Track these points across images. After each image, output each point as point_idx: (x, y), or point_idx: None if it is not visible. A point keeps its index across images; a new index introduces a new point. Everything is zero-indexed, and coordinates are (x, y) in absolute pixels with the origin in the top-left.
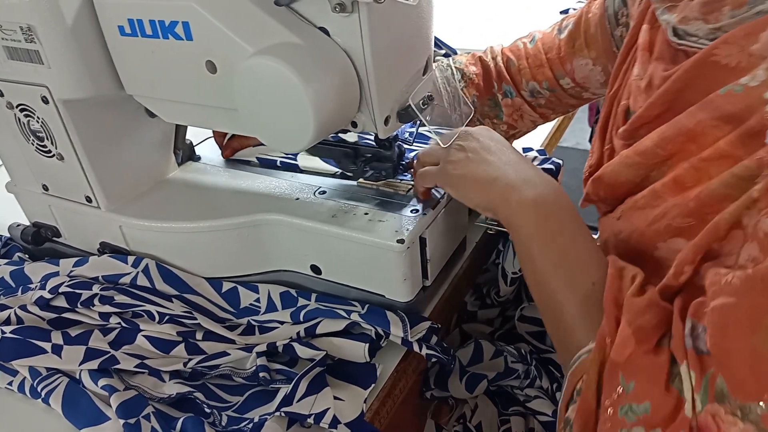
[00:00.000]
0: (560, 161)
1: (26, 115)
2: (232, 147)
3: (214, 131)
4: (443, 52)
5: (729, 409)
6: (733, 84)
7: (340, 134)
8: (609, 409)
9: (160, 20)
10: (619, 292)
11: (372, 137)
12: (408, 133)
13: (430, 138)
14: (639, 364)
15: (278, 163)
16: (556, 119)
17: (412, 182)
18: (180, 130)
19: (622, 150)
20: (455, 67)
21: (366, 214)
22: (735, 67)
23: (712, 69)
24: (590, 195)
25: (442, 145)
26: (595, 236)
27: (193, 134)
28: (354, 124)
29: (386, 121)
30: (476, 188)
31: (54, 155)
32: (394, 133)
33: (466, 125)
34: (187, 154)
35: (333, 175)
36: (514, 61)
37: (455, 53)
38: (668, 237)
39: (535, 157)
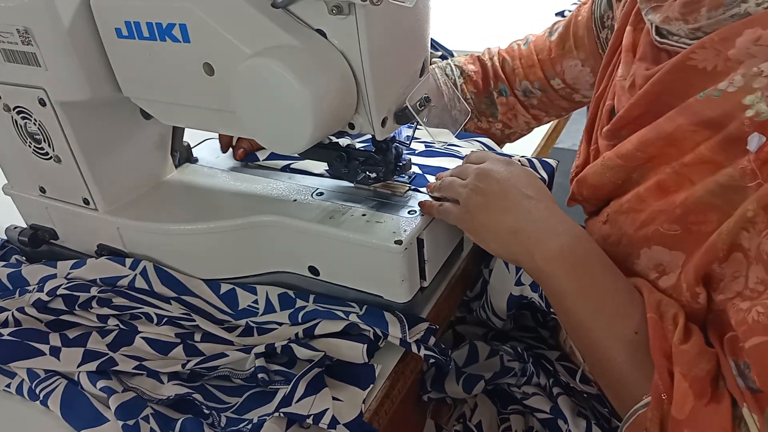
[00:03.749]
0: (554, 162)
1: (23, 118)
2: (242, 147)
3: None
4: (440, 53)
5: None
6: (712, 89)
7: (334, 138)
8: None
9: (158, 22)
10: (664, 341)
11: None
12: (405, 135)
13: (428, 141)
14: (703, 419)
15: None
16: (551, 122)
17: (408, 184)
18: (177, 132)
19: (606, 150)
20: (454, 65)
21: (363, 215)
22: (712, 71)
23: (689, 73)
24: (575, 195)
25: (461, 177)
26: None
27: (190, 136)
28: (351, 126)
29: (383, 123)
30: (496, 240)
31: (51, 157)
32: (392, 134)
33: (464, 126)
34: (184, 156)
35: (330, 177)
36: (509, 61)
37: (452, 55)
38: (654, 243)
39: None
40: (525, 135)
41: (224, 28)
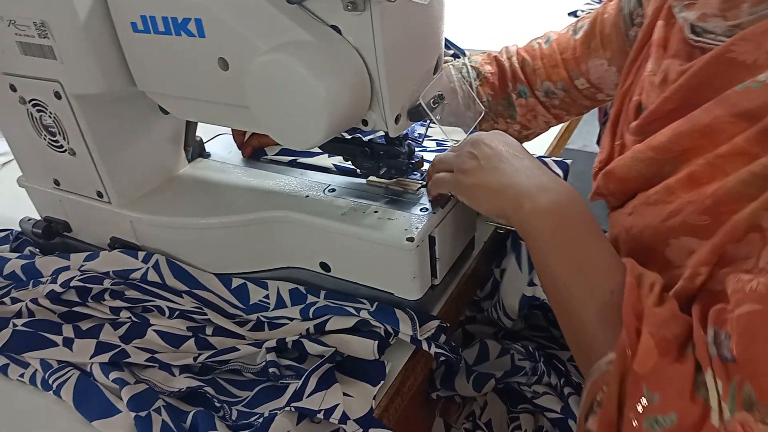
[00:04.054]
0: (567, 161)
1: (39, 110)
2: (251, 145)
3: (233, 130)
4: (452, 52)
5: (758, 416)
6: (751, 81)
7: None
8: (633, 422)
9: (173, 17)
10: (638, 302)
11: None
12: (417, 133)
13: (439, 138)
14: (663, 375)
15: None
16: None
17: (421, 181)
18: (190, 127)
19: (633, 145)
20: (471, 66)
21: (376, 212)
22: (752, 64)
23: (728, 65)
24: (600, 189)
25: (455, 152)
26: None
27: (203, 131)
28: (365, 122)
29: (397, 120)
30: (488, 196)
31: (66, 150)
32: (404, 131)
33: (477, 125)
34: (197, 150)
35: (343, 174)
36: (529, 61)
37: (464, 54)
38: (681, 234)
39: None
40: (543, 133)
41: (239, 23)
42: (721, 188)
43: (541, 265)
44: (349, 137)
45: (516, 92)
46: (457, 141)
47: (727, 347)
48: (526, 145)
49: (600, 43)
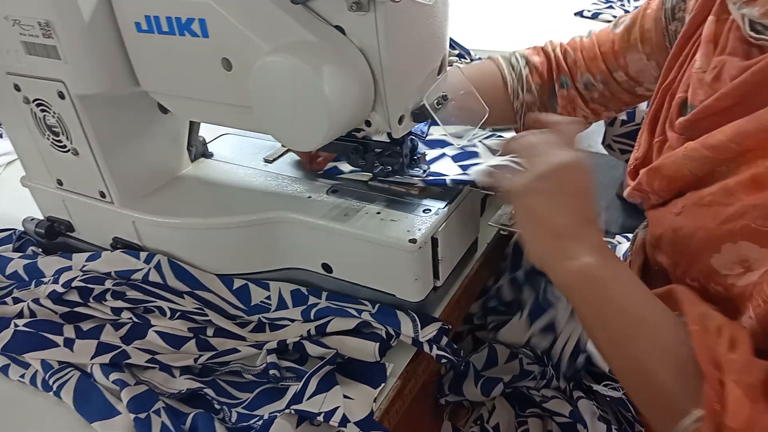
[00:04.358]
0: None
1: (42, 110)
2: (321, 156)
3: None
4: (456, 52)
5: None
6: None
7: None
8: None
9: (177, 17)
10: (711, 350)
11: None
12: (420, 130)
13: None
14: (759, 424)
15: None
16: None
17: (423, 180)
18: (193, 127)
19: (678, 143)
20: (519, 55)
21: (378, 213)
22: None
23: None
24: (642, 186)
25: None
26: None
27: (206, 131)
28: (368, 123)
29: (400, 121)
30: (538, 237)
31: (69, 150)
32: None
33: (480, 125)
34: (200, 151)
35: (345, 174)
36: (571, 53)
37: (468, 53)
38: (741, 239)
39: None
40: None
41: (242, 23)
42: None
43: (598, 324)
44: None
45: (559, 83)
46: (464, 139)
47: None
48: None
49: (639, 37)
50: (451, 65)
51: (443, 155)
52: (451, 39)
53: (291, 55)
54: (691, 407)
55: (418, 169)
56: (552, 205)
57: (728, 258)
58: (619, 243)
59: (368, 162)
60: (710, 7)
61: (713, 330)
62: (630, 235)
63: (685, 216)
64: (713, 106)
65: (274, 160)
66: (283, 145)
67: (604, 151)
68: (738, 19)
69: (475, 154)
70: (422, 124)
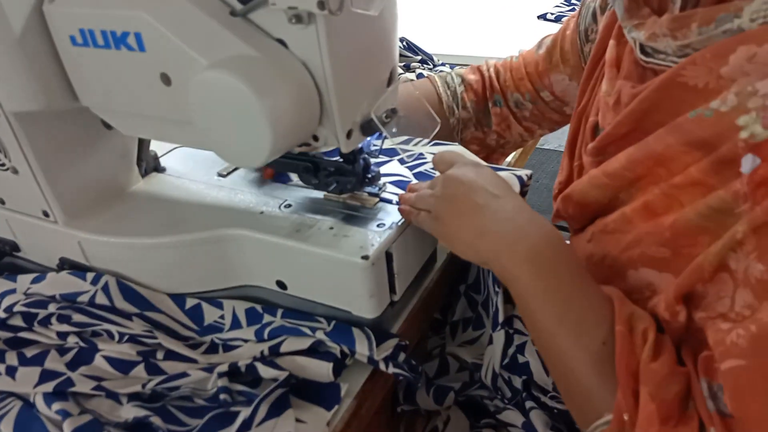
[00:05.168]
0: (526, 173)
1: None
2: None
3: None
4: (419, 57)
5: None
6: (703, 108)
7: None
8: None
9: (112, 30)
10: (632, 357)
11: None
12: (373, 146)
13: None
14: None
15: None
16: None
17: (378, 195)
18: (144, 142)
19: (591, 167)
20: (455, 74)
21: (331, 228)
22: (703, 88)
23: (679, 90)
24: (560, 212)
25: (430, 188)
26: None
27: (158, 145)
28: (315, 138)
29: (349, 135)
30: (467, 244)
31: (8, 168)
32: (359, 145)
33: (432, 138)
34: (151, 165)
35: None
36: (502, 72)
37: (431, 59)
38: (641, 265)
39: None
40: (519, 147)
41: (179, 37)
42: (679, 221)
43: (526, 315)
44: (296, 152)
45: (492, 101)
46: (410, 152)
47: (721, 401)
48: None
49: (560, 58)
50: (416, 72)
51: (392, 159)
52: (413, 44)
53: (229, 71)
54: (608, 409)
55: (374, 186)
56: (463, 216)
57: (634, 284)
58: None
59: (320, 181)
60: (612, 30)
61: (639, 333)
62: None
63: (594, 243)
64: (613, 134)
65: (228, 174)
66: (228, 164)
67: None
68: (631, 42)
69: (421, 155)
70: (374, 137)
